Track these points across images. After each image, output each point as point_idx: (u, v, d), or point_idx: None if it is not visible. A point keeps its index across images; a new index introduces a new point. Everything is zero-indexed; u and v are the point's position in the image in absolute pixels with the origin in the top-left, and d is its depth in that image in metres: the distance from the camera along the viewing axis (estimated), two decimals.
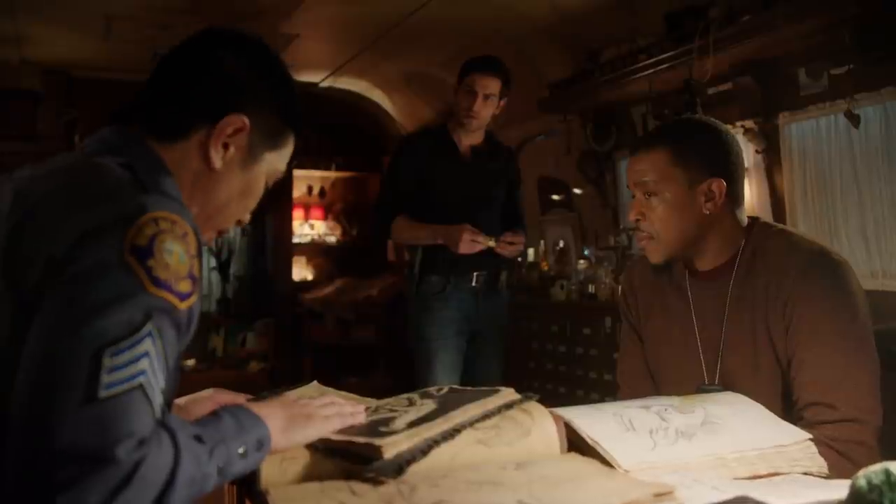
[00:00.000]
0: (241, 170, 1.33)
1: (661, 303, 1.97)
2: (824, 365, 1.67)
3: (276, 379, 6.79)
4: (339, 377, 6.73)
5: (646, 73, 4.27)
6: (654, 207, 1.83)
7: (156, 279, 1.05)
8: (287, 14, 5.05)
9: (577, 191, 5.54)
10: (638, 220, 1.87)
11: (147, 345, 1.03)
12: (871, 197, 3.64)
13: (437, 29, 5.09)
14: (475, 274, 3.57)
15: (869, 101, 3.52)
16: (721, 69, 3.94)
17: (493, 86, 3.49)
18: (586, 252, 5.19)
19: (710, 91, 4.07)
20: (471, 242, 3.39)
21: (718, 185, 1.80)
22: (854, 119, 3.47)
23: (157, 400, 1.04)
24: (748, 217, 1.90)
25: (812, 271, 1.72)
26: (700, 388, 1.82)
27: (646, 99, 4.59)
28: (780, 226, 1.89)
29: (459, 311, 3.58)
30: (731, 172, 1.83)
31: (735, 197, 1.85)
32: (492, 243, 3.42)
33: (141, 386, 1.02)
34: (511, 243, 3.49)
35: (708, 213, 1.81)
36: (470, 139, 3.64)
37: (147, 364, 1.03)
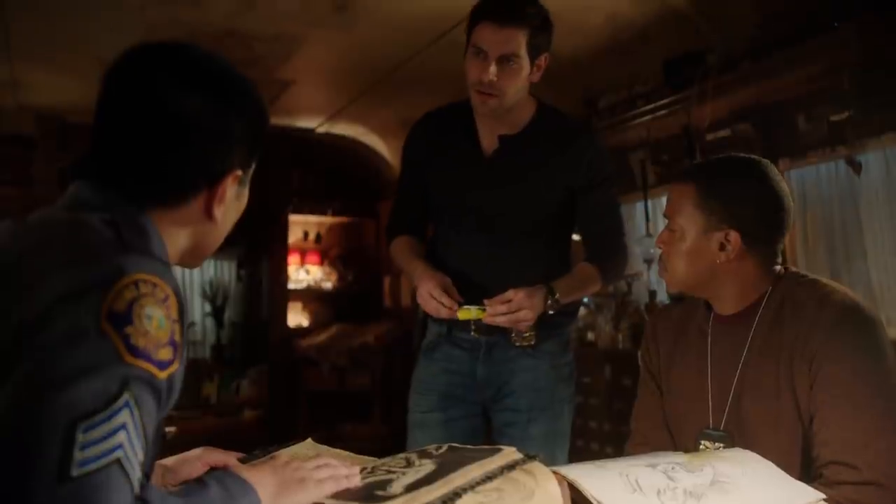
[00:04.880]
0: (235, 201, 1.29)
1: (683, 347, 1.92)
2: (850, 425, 1.59)
3: (270, 427, 6.72)
4: (335, 425, 6.67)
5: (644, 118, 4.28)
6: (672, 242, 1.81)
7: (134, 348, 0.99)
8: (283, 60, 5.07)
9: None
10: (660, 248, 1.86)
11: (125, 416, 0.98)
12: (874, 243, 3.62)
13: (432, 75, 5.08)
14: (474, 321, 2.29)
15: (870, 147, 3.50)
16: (720, 115, 3.94)
17: (512, 40, 2.18)
18: (585, 299, 5.14)
19: (709, 137, 4.07)
20: (433, 303, 2.23)
21: (734, 238, 1.73)
22: (855, 166, 3.44)
23: (136, 474, 0.99)
24: (782, 266, 1.82)
25: (843, 328, 1.64)
26: (703, 432, 1.78)
27: (644, 145, 4.59)
28: (813, 276, 1.81)
29: (447, 374, 2.44)
30: (756, 223, 1.75)
31: (761, 247, 1.77)
32: (472, 313, 2.22)
33: (118, 461, 0.96)
34: (505, 311, 2.18)
35: (720, 262, 1.76)
36: (501, 126, 2.34)
37: (124, 437, 0.97)
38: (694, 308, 1.91)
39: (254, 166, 1.33)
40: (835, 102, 3.55)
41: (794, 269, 1.84)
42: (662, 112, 4.14)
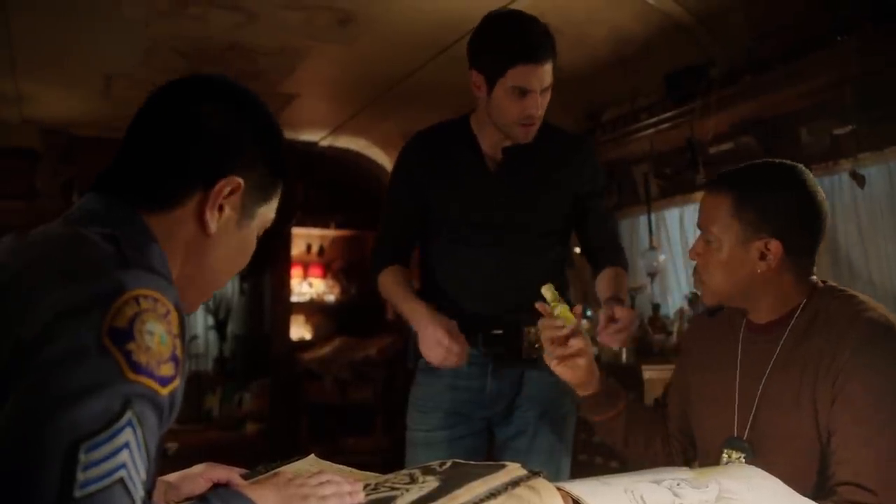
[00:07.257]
0: (236, 229, 1.27)
1: (715, 354, 1.90)
2: (870, 446, 1.56)
3: (272, 440, 6.71)
4: (337, 438, 6.65)
5: (647, 132, 4.28)
6: (708, 253, 1.78)
7: (136, 364, 0.97)
8: (286, 74, 5.07)
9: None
10: (694, 260, 1.83)
11: (127, 435, 0.96)
12: (877, 256, 3.61)
13: (435, 89, 5.10)
14: (482, 335, 2.29)
15: (872, 161, 3.50)
16: (722, 128, 3.94)
17: (549, 72, 2.24)
18: (589, 313, 5.12)
19: (712, 150, 4.07)
20: (439, 350, 2.15)
21: (775, 247, 1.71)
22: (859, 180, 3.44)
23: (139, 493, 0.97)
24: (821, 280, 1.79)
25: (872, 347, 1.60)
26: (728, 440, 1.77)
27: (647, 158, 4.58)
28: (850, 291, 1.77)
29: (454, 391, 2.38)
30: (796, 231, 1.72)
31: (799, 256, 1.74)
32: (580, 323, 1.92)
33: (121, 480, 0.94)
34: (617, 322, 2.09)
35: (760, 271, 1.73)
36: (504, 139, 2.36)
37: (127, 456, 0.95)
38: (731, 316, 1.89)
39: (269, 205, 1.32)
40: (837, 116, 3.54)
41: (832, 283, 1.81)
42: (665, 125, 4.14)
